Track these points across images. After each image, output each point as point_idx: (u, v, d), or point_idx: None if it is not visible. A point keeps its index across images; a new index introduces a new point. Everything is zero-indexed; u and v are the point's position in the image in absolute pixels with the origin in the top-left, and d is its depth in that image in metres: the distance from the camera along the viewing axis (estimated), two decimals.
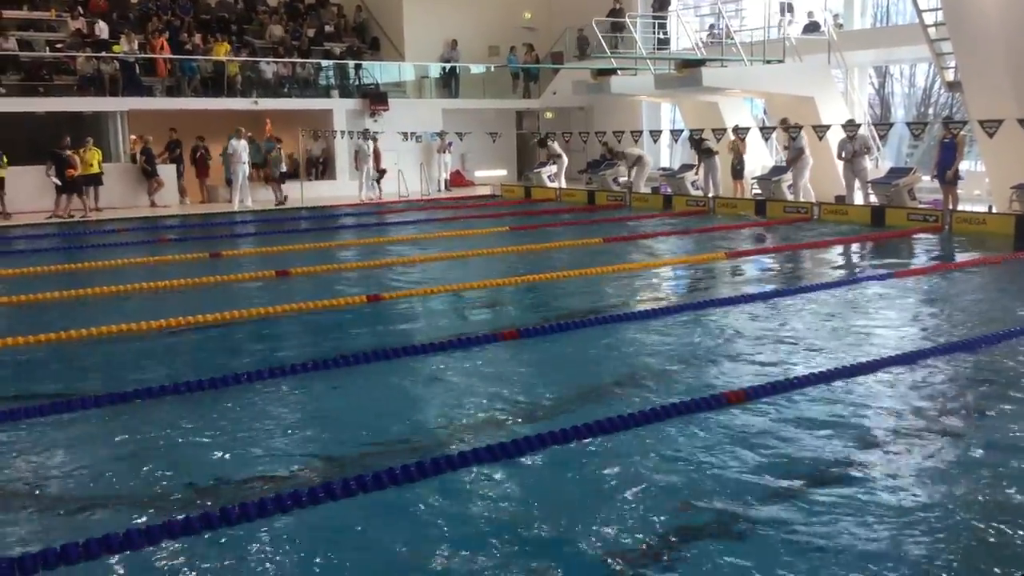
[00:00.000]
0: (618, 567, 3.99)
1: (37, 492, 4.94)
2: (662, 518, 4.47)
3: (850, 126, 17.37)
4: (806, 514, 4.44)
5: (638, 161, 21.26)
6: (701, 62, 19.52)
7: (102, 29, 22.44)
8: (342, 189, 23.79)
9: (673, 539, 4.26)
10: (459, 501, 4.72)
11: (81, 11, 23.48)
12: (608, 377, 7.02)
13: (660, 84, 20.34)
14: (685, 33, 23.13)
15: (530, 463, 5.19)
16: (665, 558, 4.08)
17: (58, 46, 22.36)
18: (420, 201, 22.79)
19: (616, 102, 25.07)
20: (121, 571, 3.98)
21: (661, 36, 24.02)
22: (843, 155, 17.40)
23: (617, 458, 5.24)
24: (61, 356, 7.91)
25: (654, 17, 24.35)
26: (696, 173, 20.84)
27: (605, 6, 24.45)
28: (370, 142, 22.81)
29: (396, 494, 4.75)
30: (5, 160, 18.85)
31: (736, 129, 19.65)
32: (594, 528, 4.36)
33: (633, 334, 8.35)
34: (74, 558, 3.94)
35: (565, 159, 23.89)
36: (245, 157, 21.08)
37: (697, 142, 20.14)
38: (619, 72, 21.81)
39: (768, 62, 19.99)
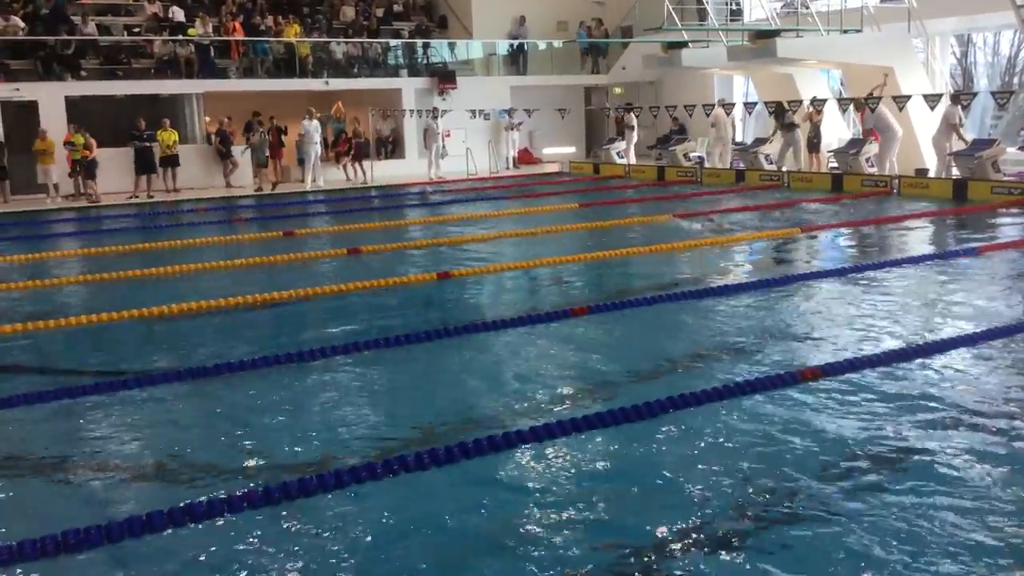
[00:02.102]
0: (689, 543, 3.95)
1: (122, 463, 5.10)
2: (734, 496, 4.40)
3: (965, 94, 16.69)
4: (883, 495, 4.33)
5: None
6: (776, 32, 19.04)
7: (177, 13, 22.87)
8: (411, 168, 23.92)
9: (745, 517, 4.20)
10: (530, 476, 4.72)
11: None
12: (680, 353, 6.94)
13: (733, 56, 19.92)
14: (759, 3, 22.59)
15: (602, 439, 5.16)
16: (736, 536, 4.02)
17: (135, 30, 22.90)
18: (488, 179, 22.80)
19: (687, 76, 24.65)
20: (204, 539, 4.08)
21: (734, 7, 23.49)
22: (960, 124, 16.64)
23: (689, 435, 5.19)
24: (143, 332, 8.14)
25: None
26: (770, 143, 20.36)
27: None
28: (439, 121, 22.88)
29: (467, 468, 4.78)
30: (91, 141, 19.37)
31: (813, 101, 19.16)
32: (665, 504, 4.32)
33: (705, 310, 8.24)
34: (158, 526, 4.06)
35: (636, 134, 23.63)
36: (316, 138, 21.32)
37: (781, 114, 19.64)
38: (690, 45, 21.43)
39: (845, 31, 19.40)
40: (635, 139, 23.69)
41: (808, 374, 6.07)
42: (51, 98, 19.88)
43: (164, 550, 3.99)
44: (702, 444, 5.05)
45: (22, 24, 20.63)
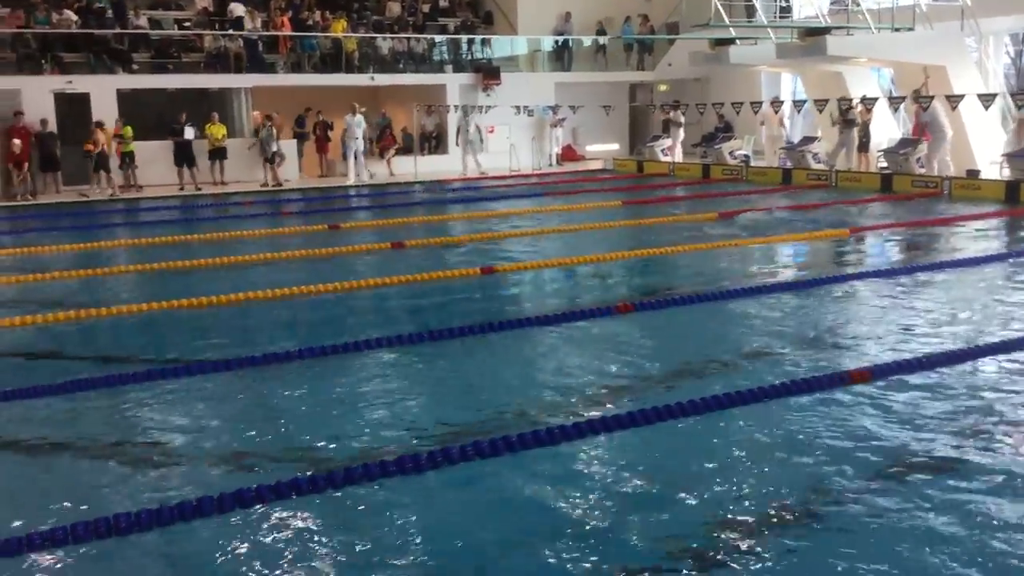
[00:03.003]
0: (728, 540, 3.92)
1: (170, 449, 5.18)
2: (776, 497, 4.35)
3: (1019, 95, 16.33)
4: (929, 500, 4.25)
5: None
6: (826, 30, 18.77)
7: (233, 9, 23.10)
8: (455, 163, 23.96)
9: (788, 517, 4.15)
10: (570, 471, 4.71)
11: None
12: (726, 352, 6.88)
13: (782, 53, 19.69)
14: (809, 0, 22.30)
15: (645, 436, 5.13)
16: (779, 535, 3.98)
17: (186, 24, 23.21)
18: (532, 175, 22.77)
19: (734, 73, 24.39)
20: (253, 525, 4.13)
21: (783, 3, 23.19)
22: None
23: (733, 434, 5.14)
24: (191, 322, 8.25)
25: None
26: (820, 141, 20.07)
27: None
28: (472, 118, 22.82)
29: (512, 462, 4.78)
30: (131, 133, 19.67)
31: (863, 100, 18.87)
32: (708, 501, 4.29)
33: (752, 309, 8.15)
34: (208, 511, 4.11)
35: (682, 132, 23.45)
36: (358, 133, 21.40)
37: (843, 111, 19.31)
38: (738, 42, 21.21)
39: (897, 29, 19.07)
40: (681, 136, 23.51)
41: (857, 376, 5.98)
42: (103, 91, 20.22)
43: (214, 535, 4.05)
44: (748, 443, 5.01)
45: (75, 17, 21.00)
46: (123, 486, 4.65)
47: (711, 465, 4.74)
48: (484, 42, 25.87)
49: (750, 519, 4.12)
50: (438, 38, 25.69)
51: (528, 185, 20.54)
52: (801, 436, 5.08)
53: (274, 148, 20.59)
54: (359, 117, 21.35)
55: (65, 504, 4.40)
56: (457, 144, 23.37)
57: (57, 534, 3.94)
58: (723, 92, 24.44)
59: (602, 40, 26.70)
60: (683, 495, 4.40)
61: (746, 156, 22.05)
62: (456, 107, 23.65)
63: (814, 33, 18.73)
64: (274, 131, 20.55)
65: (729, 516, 4.15)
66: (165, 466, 4.91)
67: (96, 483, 4.74)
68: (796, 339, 7.19)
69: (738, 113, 21.98)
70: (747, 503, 4.28)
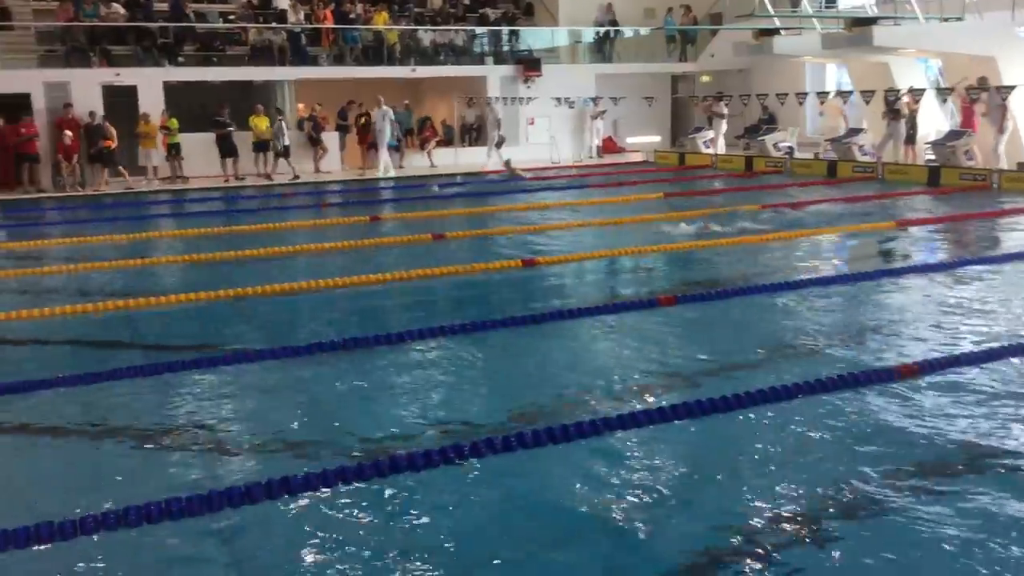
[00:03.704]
0: (768, 537, 3.90)
1: (219, 436, 5.26)
2: (819, 494, 4.31)
3: None
4: (976, 497, 4.19)
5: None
6: (872, 20, 18.47)
7: (278, 2, 23.29)
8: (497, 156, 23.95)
9: (828, 514, 4.12)
10: (611, 463, 4.71)
11: None
12: (769, 346, 6.82)
13: (827, 44, 19.40)
14: None
15: (689, 429, 5.11)
16: (819, 533, 3.95)
17: (231, 17, 23.45)
18: (572, 167, 22.71)
19: (778, 64, 24.09)
20: (300, 511, 4.19)
21: None
22: None
23: (776, 429, 5.10)
24: (236, 311, 8.36)
25: None
26: (866, 132, 19.75)
27: None
28: (499, 108, 22.71)
29: (555, 453, 4.79)
30: (177, 124, 19.94)
31: (911, 91, 18.54)
32: (744, 497, 4.27)
33: (796, 303, 8.08)
34: (257, 497, 4.18)
35: (725, 124, 23.23)
36: (381, 125, 21.40)
37: (890, 103, 18.99)
38: (782, 32, 20.94)
39: (945, 19, 18.71)
40: (724, 128, 23.30)
41: (906, 370, 5.90)
42: (150, 83, 20.52)
43: (263, 520, 4.12)
44: (792, 439, 4.97)
45: (123, 11, 21.33)
46: (172, 472, 4.74)
47: (753, 460, 4.71)
48: (524, 34, 25.81)
49: (792, 515, 4.09)
50: (479, 30, 25.70)
51: (568, 177, 20.49)
52: (848, 432, 5.03)
53: (285, 142, 20.63)
54: (385, 110, 21.37)
55: (115, 489, 4.50)
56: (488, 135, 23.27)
57: (109, 518, 4.02)
58: (766, 83, 24.15)
59: (644, 31, 26.52)
60: (723, 490, 4.39)
61: (790, 148, 21.79)
62: (496, 99, 23.64)
63: (860, 23, 18.43)
64: (283, 125, 20.61)
65: (770, 512, 4.12)
66: (213, 453, 4.99)
67: (146, 468, 4.84)
68: (842, 333, 7.11)
69: (782, 104, 21.71)
70: (789, 499, 4.25)
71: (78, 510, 4.14)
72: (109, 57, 20.76)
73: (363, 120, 21.94)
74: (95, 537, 3.96)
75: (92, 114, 19.31)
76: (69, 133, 18.64)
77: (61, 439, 5.31)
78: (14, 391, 5.93)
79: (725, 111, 23.12)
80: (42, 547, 3.88)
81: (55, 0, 21.34)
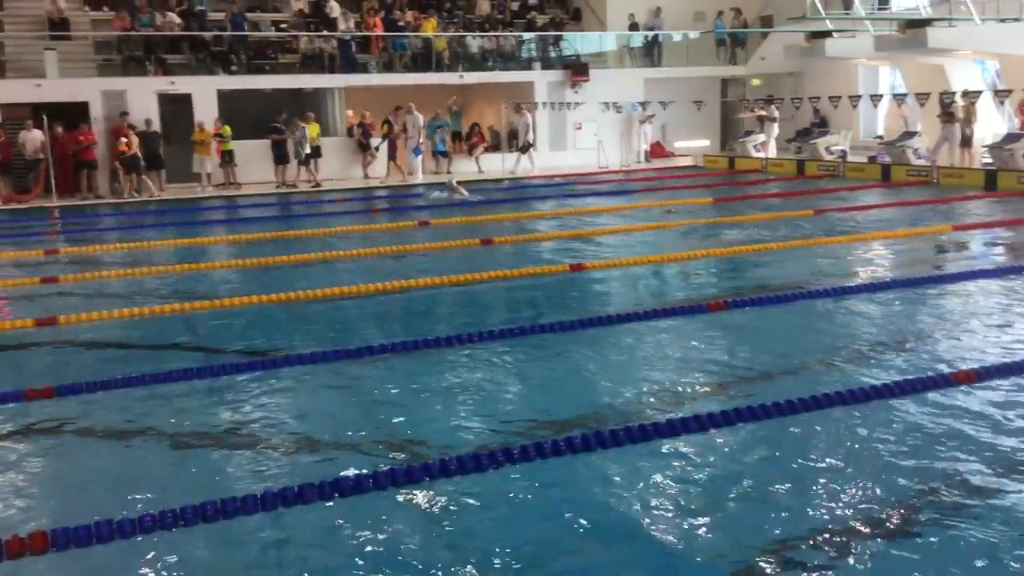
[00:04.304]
0: (822, 544, 3.85)
1: (271, 437, 5.33)
2: (872, 502, 4.25)
3: None
4: None
5: None
6: (927, 22, 18.17)
7: (331, 8, 23.59)
8: (543, 160, 23.98)
9: (884, 523, 4.05)
10: (662, 469, 4.68)
11: None
12: (821, 351, 6.73)
13: (881, 46, 19.12)
14: None
15: (740, 436, 5.07)
16: (874, 542, 3.89)
17: (282, 26, 23.80)
18: (620, 172, 22.64)
19: (830, 66, 23.77)
20: (351, 512, 4.24)
21: None
22: None
23: (829, 436, 5.03)
24: (288, 314, 8.47)
25: None
26: (920, 136, 19.40)
27: None
28: (529, 115, 22.66)
29: (600, 458, 4.78)
30: (230, 132, 20.29)
31: (966, 94, 18.18)
32: (797, 504, 4.22)
33: (849, 308, 7.96)
34: (309, 497, 4.23)
35: (776, 127, 22.98)
36: (412, 132, 21.44)
37: (946, 105, 18.66)
38: (835, 34, 20.67)
39: (1002, 20, 18.32)
40: (775, 132, 23.04)
41: (963, 376, 5.79)
42: (204, 91, 20.91)
43: (315, 520, 4.18)
44: (845, 445, 4.89)
45: (178, 20, 21.77)
46: (227, 472, 4.82)
47: (805, 467, 4.65)
48: (572, 38, 25.80)
49: (845, 524, 4.03)
50: (526, 35, 25.76)
51: (616, 182, 20.42)
52: (902, 439, 4.94)
53: (307, 150, 20.65)
54: (415, 116, 21.45)
55: (173, 488, 4.59)
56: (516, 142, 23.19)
57: (166, 517, 4.10)
58: (818, 86, 23.85)
59: (693, 34, 26.35)
60: (776, 497, 4.34)
61: (843, 151, 21.48)
62: (544, 104, 23.65)
63: (915, 25, 18.14)
64: (307, 131, 20.72)
65: (823, 519, 4.07)
66: (266, 454, 5.07)
67: (199, 468, 4.93)
68: (896, 339, 6.99)
69: (835, 107, 21.42)
70: (841, 507, 4.19)
71: (135, 509, 4.22)
72: (164, 66, 21.21)
73: (385, 128, 21.92)
74: (153, 536, 4.04)
75: (148, 121, 19.74)
76: (125, 140, 19.05)
77: (118, 439, 5.43)
78: (75, 392, 6.07)
79: (776, 114, 22.87)
80: (102, 545, 3.96)
81: (112, 10, 21.87)
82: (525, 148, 22.68)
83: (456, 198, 17.47)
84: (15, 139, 18.88)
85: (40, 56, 19.83)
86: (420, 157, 21.65)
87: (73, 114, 19.23)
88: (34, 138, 18.63)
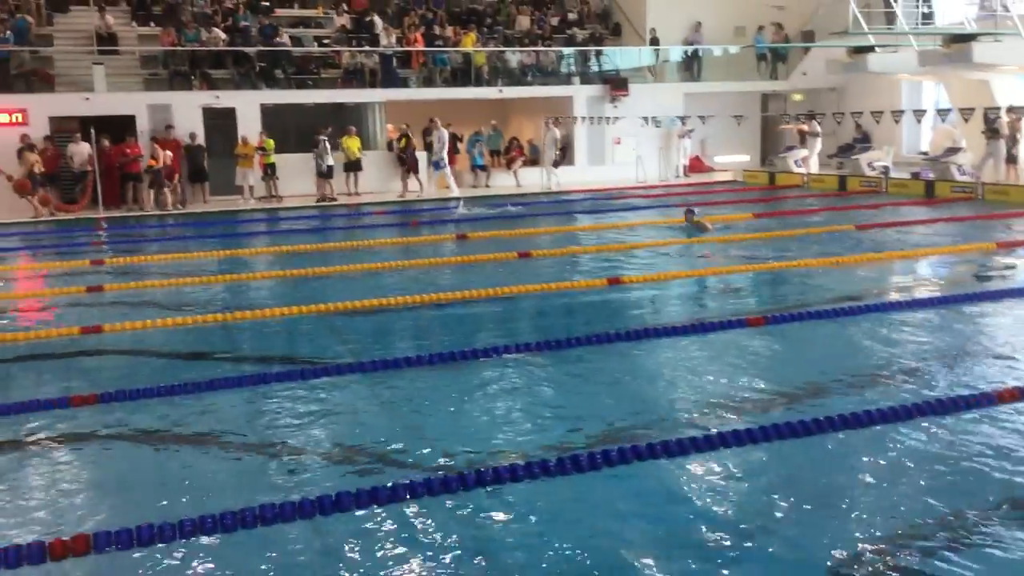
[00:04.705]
0: (861, 563, 3.79)
1: (309, 446, 5.39)
2: (911, 521, 4.19)
3: None
4: None
5: None
6: (971, 36, 17.93)
7: (375, 23, 23.86)
8: (582, 175, 24.00)
9: (923, 542, 3.98)
10: (698, 484, 4.65)
11: (345, 8, 25.17)
12: (862, 368, 6.65)
13: (925, 61, 18.89)
14: (952, 6, 21.33)
15: (776, 452, 5.02)
16: (913, 562, 3.82)
17: (325, 41, 24.11)
18: (658, 187, 22.56)
19: (872, 81, 23.52)
20: (387, 520, 4.26)
21: (925, 10, 22.27)
22: None
23: (869, 453, 4.97)
24: (327, 325, 8.55)
25: None
26: (964, 152, 19.13)
27: None
28: (554, 129, 22.67)
29: (634, 472, 4.76)
30: (273, 145, 20.57)
31: (1011, 109, 17.89)
32: (835, 522, 4.17)
33: (890, 325, 7.85)
34: (346, 505, 4.26)
35: (819, 143, 22.76)
36: (437, 147, 21.50)
37: (991, 121, 18.40)
38: (877, 49, 20.47)
39: None
40: (819, 148, 22.81)
41: (1007, 395, 5.68)
42: (247, 106, 21.23)
43: (353, 527, 4.22)
44: (884, 463, 4.83)
45: (223, 36, 22.14)
46: (266, 479, 4.88)
47: (844, 484, 4.60)
48: (611, 53, 25.82)
49: (884, 543, 3.98)
50: (565, 50, 25.84)
51: (654, 197, 20.36)
52: (942, 457, 4.86)
53: (329, 163, 20.76)
54: (442, 131, 21.52)
55: (213, 494, 4.64)
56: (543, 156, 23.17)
57: (207, 522, 4.15)
58: (859, 101, 23.61)
59: (733, 49, 26.25)
60: (814, 514, 4.29)
61: (885, 167, 21.23)
62: (582, 118, 23.68)
63: (959, 40, 17.91)
64: (327, 146, 20.86)
65: (862, 538, 4.02)
66: (304, 461, 5.12)
67: (241, 475, 4.99)
68: (938, 356, 6.88)
69: (877, 123, 21.19)
70: (880, 525, 4.13)
71: (177, 514, 4.28)
72: (209, 80, 21.57)
73: (403, 142, 22.03)
74: (192, 540, 4.09)
75: (192, 135, 20.08)
76: (169, 154, 19.41)
77: (160, 445, 5.51)
78: (118, 399, 6.18)
79: (819, 129, 22.66)
80: (143, 548, 4.02)
81: (159, 26, 22.31)
82: (557, 163, 22.72)
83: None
84: (64, 151, 19.32)
85: (88, 71, 20.28)
86: (447, 171, 21.68)
87: (120, 127, 19.61)
88: (82, 151, 19.05)
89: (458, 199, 19.20)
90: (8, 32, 20.14)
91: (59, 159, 19.33)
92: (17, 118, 19.26)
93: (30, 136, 18.89)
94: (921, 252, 11.61)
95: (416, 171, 21.79)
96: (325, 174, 20.74)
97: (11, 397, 6.30)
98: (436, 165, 21.72)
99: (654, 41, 25.83)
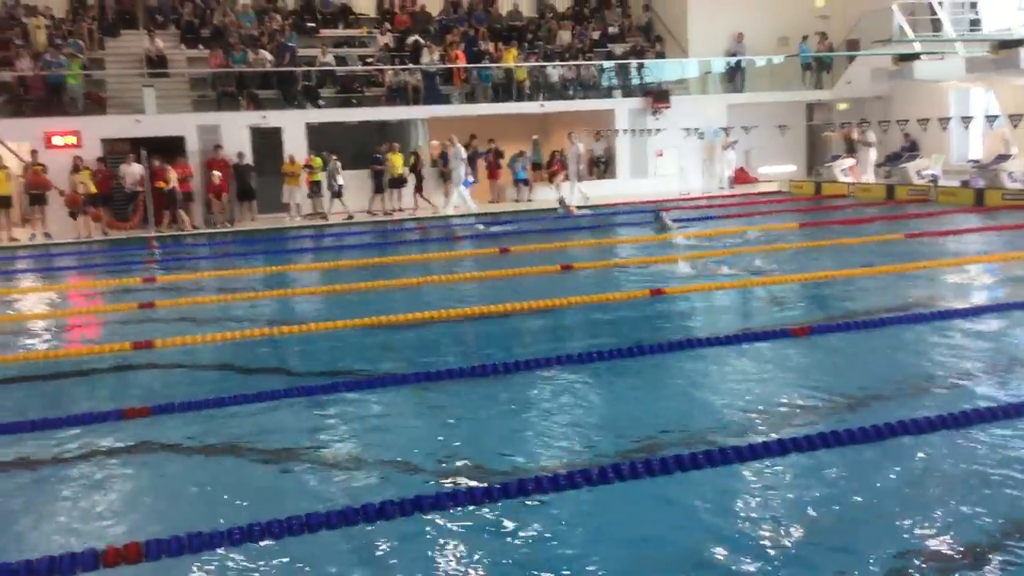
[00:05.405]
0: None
1: (354, 455, 5.46)
2: (960, 532, 4.12)
3: None
4: None
5: None
6: (1019, 42, 17.64)
7: (418, 40, 24.14)
8: (624, 187, 23.98)
9: (973, 554, 3.91)
10: (743, 494, 4.63)
11: (388, 27, 25.50)
12: (907, 377, 6.58)
13: (972, 68, 18.64)
14: (1001, 11, 20.99)
15: (821, 461, 4.97)
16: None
17: (368, 60, 24.44)
18: (703, 199, 22.45)
19: (919, 89, 23.22)
20: (430, 528, 4.31)
21: (972, 16, 21.94)
22: None
23: (915, 463, 4.90)
24: (373, 338, 8.65)
25: None
26: (1014, 159, 18.76)
27: None
28: (577, 144, 22.66)
29: (676, 482, 4.74)
30: (320, 163, 20.91)
31: None
32: (882, 534, 4.13)
33: (937, 334, 7.74)
34: (390, 514, 4.32)
35: (874, 152, 22.40)
36: (455, 163, 21.61)
37: None
38: (923, 57, 20.20)
39: None
40: (873, 157, 22.47)
41: None
42: (293, 125, 21.60)
43: (398, 535, 4.28)
44: (932, 474, 4.77)
45: (270, 57, 22.55)
46: (311, 488, 4.95)
47: (890, 495, 4.54)
48: (653, 65, 25.80)
49: (932, 554, 3.92)
50: (606, 64, 25.89)
51: (699, 208, 20.25)
52: (991, 469, 4.77)
53: (340, 182, 20.93)
54: (458, 148, 21.59)
55: (260, 502, 4.73)
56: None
57: (254, 530, 4.23)
58: (906, 109, 23.30)
59: (776, 59, 26.08)
60: (860, 525, 4.25)
61: (934, 176, 20.89)
62: (624, 131, 23.66)
63: (1007, 46, 17.64)
64: (338, 165, 21.01)
65: (909, 550, 3.96)
66: (349, 471, 5.19)
67: (285, 485, 5.08)
68: (985, 366, 6.76)
69: (924, 131, 20.88)
70: (928, 537, 4.07)
71: (224, 523, 4.37)
72: (256, 101, 21.98)
73: (413, 160, 22.14)
74: (241, 548, 4.17)
75: (240, 154, 20.46)
76: (217, 173, 19.81)
77: (210, 456, 5.62)
78: (169, 411, 6.31)
79: (873, 139, 22.34)
80: (192, 556, 4.11)
81: (207, 48, 22.80)
82: (580, 177, 22.73)
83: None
84: (116, 172, 19.80)
85: (139, 93, 20.81)
86: (467, 190, 21.69)
87: (170, 148, 20.06)
88: (133, 171, 19.52)
89: (475, 215, 19.25)
90: (62, 56, 20.73)
91: (111, 179, 19.81)
92: (71, 140, 19.80)
93: (83, 159, 19.40)
94: (970, 260, 11.41)
95: (421, 190, 22.07)
96: (337, 193, 20.97)
97: (68, 410, 6.46)
98: (466, 183, 21.80)
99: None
